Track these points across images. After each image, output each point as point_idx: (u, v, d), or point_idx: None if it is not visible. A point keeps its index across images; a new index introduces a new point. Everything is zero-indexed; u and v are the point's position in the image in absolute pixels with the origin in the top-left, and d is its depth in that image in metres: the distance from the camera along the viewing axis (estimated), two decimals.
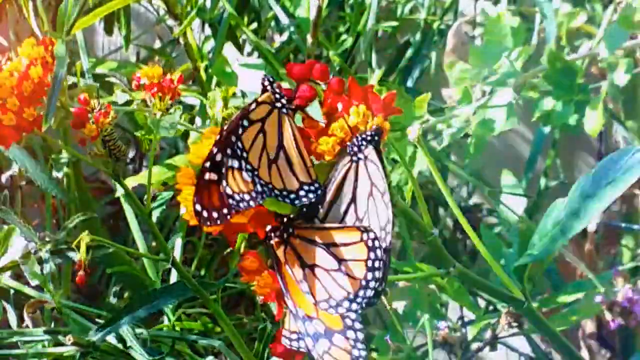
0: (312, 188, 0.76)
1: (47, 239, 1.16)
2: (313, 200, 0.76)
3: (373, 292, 0.73)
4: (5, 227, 1.12)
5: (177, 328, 1.20)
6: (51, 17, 1.15)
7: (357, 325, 0.74)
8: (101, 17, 1.16)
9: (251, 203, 0.75)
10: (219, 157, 0.76)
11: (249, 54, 1.53)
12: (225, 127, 0.77)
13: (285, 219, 0.78)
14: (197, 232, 1.48)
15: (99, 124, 0.93)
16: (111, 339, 1.09)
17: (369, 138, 0.75)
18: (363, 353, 0.73)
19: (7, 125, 0.95)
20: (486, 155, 1.75)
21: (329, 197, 0.77)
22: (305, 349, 0.77)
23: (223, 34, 1.28)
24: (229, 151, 0.76)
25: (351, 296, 0.73)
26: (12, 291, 1.15)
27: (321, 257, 0.75)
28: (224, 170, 0.76)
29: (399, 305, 1.29)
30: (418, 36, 1.72)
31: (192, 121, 1.34)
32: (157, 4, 1.29)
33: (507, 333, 1.21)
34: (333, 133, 0.77)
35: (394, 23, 1.64)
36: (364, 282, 0.73)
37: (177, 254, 1.25)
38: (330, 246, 0.75)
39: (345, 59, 1.50)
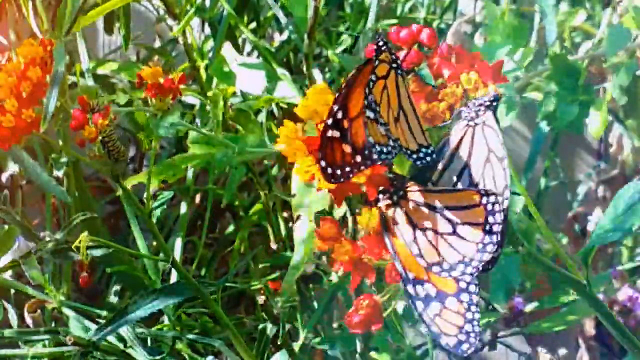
0: (429, 151, 0.76)
1: (47, 239, 1.16)
2: (430, 163, 0.76)
3: (490, 256, 0.72)
4: (6, 227, 1.12)
5: (177, 328, 1.20)
6: (51, 16, 1.14)
7: (472, 288, 0.73)
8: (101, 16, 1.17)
9: (389, 156, 0.76)
10: (340, 115, 0.76)
11: (249, 54, 1.53)
12: (343, 85, 0.77)
13: (396, 181, 0.77)
14: (197, 231, 1.48)
15: (97, 125, 0.93)
16: (111, 338, 1.09)
17: (487, 103, 0.75)
18: (477, 315, 0.72)
19: (5, 127, 0.95)
20: None
21: (443, 161, 0.77)
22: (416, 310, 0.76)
23: (222, 34, 1.28)
24: (365, 102, 0.75)
25: (466, 259, 0.73)
26: (12, 291, 1.15)
27: (434, 220, 0.74)
28: (364, 120, 0.75)
29: (399, 305, 1.29)
30: None
31: (192, 120, 1.35)
32: (157, 4, 1.29)
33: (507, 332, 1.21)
34: (443, 98, 0.77)
35: (393, 21, 1.64)
36: (480, 246, 0.72)
37: (177, 253, 1.25)
38: (445, 209, 0.74)
39: None
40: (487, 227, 0.72)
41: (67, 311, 1.13)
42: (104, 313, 1.19)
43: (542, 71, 1.36)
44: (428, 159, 0.76)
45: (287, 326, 1.17)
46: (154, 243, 1.35)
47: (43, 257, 1.13)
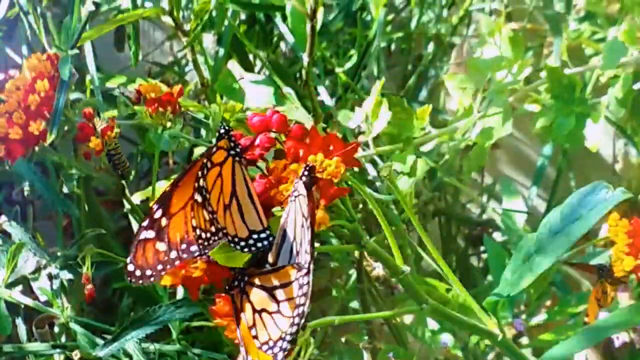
0: (263, 236, 0.77)
1: (57, 255, 1.16)
2: (264, 248, 0.77)
3: (297, 328, 0.74)
4: (16, 242, 1.13)
5: (184, 342, 1.19)
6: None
7: None
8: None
9: (206, 242, 0.77)
10: (158, 213, 0.77)
11: (259, 70, 1.54)
12: (168, 187, 0.78)
13: (238, 269, 0.78)
14: None
15: (104, 137, 0.94)
16: (119, 353, 1.09)
17: (301, 176, 0.76)
18: None
19: (13, 139, 0.96)
20: (500, 169, 1.74)
21: (275, 242, 0.77)
22: None
23: (226, 49, 1.29)
24: (196, 185, 0.77)
25: (283, 335, 0.75)
26: (22, 306, 1.15)
27: (265, 301, 0.76)
28: (193, 201, 0.76)
29: (407, 319, 1.28)
30: (430, 50, 1.72)
31: (197, 134, 1.35)
32: (167, 21, 1.29)
33: None
34: (288, 176, 0.78)
35: (400, 34, 1.64)
36: (291, 320, 0.74)
37: None
38: (272, 289, 0.76)
39: (353, 74, 1.50)
40: (297, 301, 0.74)
41: (75, 326, 1.13)
42: (112, 328, 1.19)
43: (540, 83, 1.36)
44: (260, 244, 0.77)
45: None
46: None
47: (52, 272, 1.14)
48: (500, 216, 1.45)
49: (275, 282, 0.76)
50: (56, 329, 1.16)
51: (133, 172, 0.99)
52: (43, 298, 1.13)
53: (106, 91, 1.36)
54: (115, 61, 1.62)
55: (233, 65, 1.30)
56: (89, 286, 1.03)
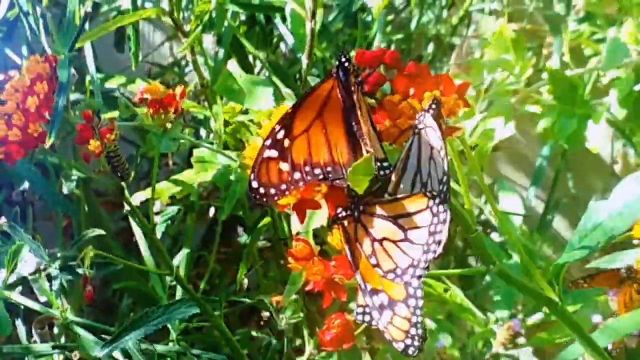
0: (385, 164, 0.77)
1: (57, 256, 1.16)
2: (385, 176, 0.77)
3: (434, 255, 0.75)
4: (16, 243, 1.13)
5: (183, 343, 1.20)
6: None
7: (419, 293, 0.75)
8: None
9: (386, 171, 0.78)
10: (281, 134, 0.77)
11: (259, 71, 1.54)
12: (290, 108, 0.78)
13: (356, 198, 0.79)
14: (208, 246, 1.49)
15: (104, 139, 0.94)
16: (118, 354, 1.09)
17: (427, 109, 0.77)
18: (420, 319, 0.75)
19: (12, 141, 0.96)
20: (498, 169, 1.74)
21: (395, 173, 0.78)
22: (371, 322, 0.79)
23: (226, 50, 1.29)
24: (360, 118, 0.77)
25: (415, 262, 0.75)
26: (22, 306, 1.15)
27: (388, 229, 0.77)
28: (365, 134, 0.76)
29: None
30: (430, 51, 1.72)
31: (197, 136, 1.35)
32: (168, 22, 1.29)
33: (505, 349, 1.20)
34: (402, 112, 0.78)
35: (400, 35, 1.64)
36: (425, 247, 0.75)
37: (182, 269, 1.25)
38: (397, 218, 0.76)
39: None
40: (432, 229, 0.74)
41: (74, 327, 1.13)
42: (112, 329, 1.19)
43: (541, 85, 1.36)
44: (382, 172, 0.77)
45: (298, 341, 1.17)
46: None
47: (52, 273, 1.15)
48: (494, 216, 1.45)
49: (403, 210, 0.76)
50: (56, 330, 1.16)
51: (132, 174, 0.99)
52: (43, 299, 1.13)
53: (106, 92, 1.37)
54: (115, 62, 1.62)
55: (233, 66, 1.30)
56: (89, 287, 1.03)
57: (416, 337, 0.75)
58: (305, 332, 1.19)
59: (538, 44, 1.59)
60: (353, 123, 0.77)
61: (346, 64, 0.78)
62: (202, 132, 1.38)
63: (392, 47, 1.77)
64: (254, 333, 1.36)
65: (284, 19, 1.39)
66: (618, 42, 1.31)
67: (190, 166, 1.37)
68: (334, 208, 0.80)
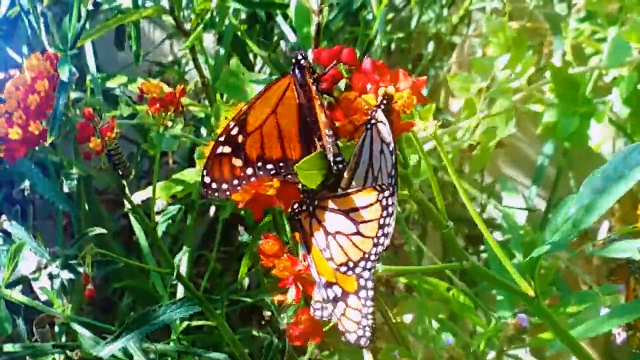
0: (338, 159, 0.79)
1: (57, 254, 1.16)
2: (340, 170, 0.79)
3: (383, 248, 0.76)
4: (16, 241, 1.13)
5: (184, 342, 1.20)
6: None
7: (369, 284, 0.77)
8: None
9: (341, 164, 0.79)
10: (235, 131, 0.79)
11: (260, 69, 1.53)
12: (245, 105, 0.81)
13: (310, 192, 0.80)
14: (209, 245, 1.48)
15: (105, 137, 0.94)
16: (118, 353, 1.09)
17: (379, 104, 0.78)
18: (371, 309, 0.77)
19: (13, 139, 0.96)
20: (499, 168, 1.74)
21: (348, 168, 0.79)
22: (328, 317, 0.81)
23: (226, 48, 1.29)
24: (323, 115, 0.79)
25: (366, 255, 0.76)
26: (23, 305, 1.15)
27: (341, 223, 0.78)
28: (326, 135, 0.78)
29: (407, 319, 1.28)
30: (430, 49, 1.72)
31: (198, 134, 1.35)
32: (168, 20, 1.29)
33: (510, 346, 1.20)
34: (358, 107, 0.79)
35: (400, 34, 1.64)
36: (375, 240, 0.76)
37: (184, 267, 1.25)
38: (349, 212, 0.78)
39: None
40: (382, 222, 0.76)
41: (75, 326, 1.13)
42: (113, 328, 1.19)
43: (543, 83, 1.36)
44: (341, 166, 0.79)
45: None
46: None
47: (53, 272, 1.14)
48: (502, 214, 1.45)
49: (354, 204, 0.77)
50: (56, 329, 1.16)
51: (133, 172, 0.99)
52: (43, 297, 1.13)
53: (107, 90, 1.36)
54: (115, 60, 1.62)
55: (234, 64, 1.30)
56: (89, 286, 1.03)
57: (367, 328, 0.77)
58: None
59: (539, 42, 1.59)
60: (308, 119, 0.80)
61: (302, 62, 0.80)
62: (203, 131, 1.38)
63: (393, 46, 1.77)
64: (255, 332, 1.35)
65: (285, 17, 1.39)
66: (620, 41, 1.31)
67: (190, 164, 1.37)
68: (286, 203, 0.82)
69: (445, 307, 1.27)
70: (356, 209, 0.78)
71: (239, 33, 1.37)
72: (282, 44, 1.62)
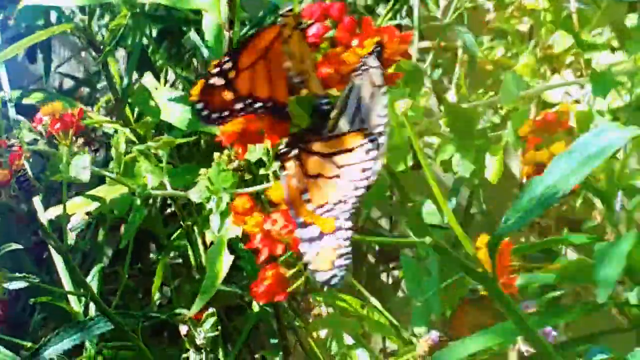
0: (325, 101, 0.80)
1: None
2: (327, 111, 0.80)
3: (363, 191, 0.76)
4: None
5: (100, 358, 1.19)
6: None
7: (347, 225, 0.76)
8: None
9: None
10: (227, 66, 0.79)
11: (172, 84, 1.53)
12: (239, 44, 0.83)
13: (297, 134, 0.80)
14: (119, 262, 1.48)
15: (13, 165, 0.93)
16: None
17: (372, 51, 0.79)
18: (348, 249, 0.75)
19: None
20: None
21: (335, 112, 0.79)
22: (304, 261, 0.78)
23: (133, 65, 1.28)
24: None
25: (345, 198, 0.76)
26: None
27: (324, 166, 0.78)
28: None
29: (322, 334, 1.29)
30: None
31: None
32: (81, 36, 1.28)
33: None
34: (345, 60, 0.80)
35: None
36: (357, 184, 0.76)
37: (95, 285, 1.24)
38: (333, 155, 0.78)
39: None
40: (365, 165, 0.76)
41: None
42: (29, 344, 1.18)
43: (439, 117, 1.39)
44: (327, 107, 0.80)
45: (211, 356, 1.17)
46: None
47: None
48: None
49: (340, 147, 0.77)
50: None
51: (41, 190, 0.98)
52: None
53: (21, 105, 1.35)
54: (26, 72, 1.61)
55: (148, 80, 1.30)
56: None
57: (342, 268, 0.75)
58: (222, 347, 1.20)
59: (452, 60, 1.61)
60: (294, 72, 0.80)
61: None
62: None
63: None
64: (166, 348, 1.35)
65: (198, 32, 1.39)
66: (514, 77, 1.33)
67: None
68: (274, 140, 0.82)
69: (360, 325, 1.27)
70: (341, 152, 0.78)
71: (148, 50, 1.37)
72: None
